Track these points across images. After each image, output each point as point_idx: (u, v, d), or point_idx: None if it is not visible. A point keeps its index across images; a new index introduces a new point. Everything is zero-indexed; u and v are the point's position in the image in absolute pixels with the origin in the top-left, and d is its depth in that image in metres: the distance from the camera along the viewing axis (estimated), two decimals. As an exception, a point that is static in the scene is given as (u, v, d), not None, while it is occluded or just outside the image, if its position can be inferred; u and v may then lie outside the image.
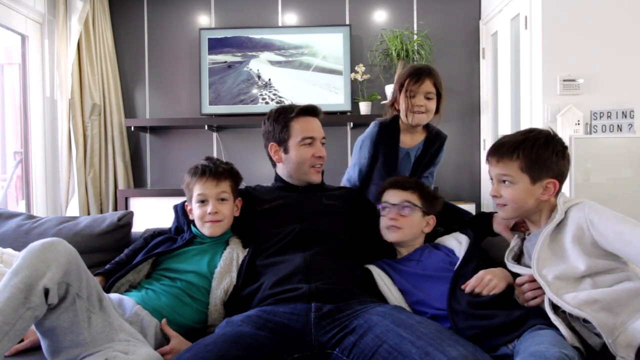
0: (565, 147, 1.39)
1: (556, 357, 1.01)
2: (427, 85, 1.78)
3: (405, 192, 1.59)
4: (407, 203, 1.56)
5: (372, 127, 1.90)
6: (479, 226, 1.59)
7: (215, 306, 1.47)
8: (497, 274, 1.38)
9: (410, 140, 1.90)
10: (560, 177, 1.37)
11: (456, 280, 1.38)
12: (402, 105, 1.82)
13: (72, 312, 1.15)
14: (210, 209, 1.55)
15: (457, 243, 1.53)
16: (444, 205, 1.70)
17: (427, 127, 1.91)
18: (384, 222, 1.58)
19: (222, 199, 1.58)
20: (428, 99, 1.79)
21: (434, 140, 1.91)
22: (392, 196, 1.60)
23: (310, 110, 1.68)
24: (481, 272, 1.37)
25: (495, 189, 1.40)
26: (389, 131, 1.87)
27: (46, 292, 1.09)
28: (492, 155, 1.40)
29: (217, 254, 1.57)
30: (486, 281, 1.34)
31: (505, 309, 1.27)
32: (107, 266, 1.58)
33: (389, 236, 1.56)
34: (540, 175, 1.34)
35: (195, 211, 1.59)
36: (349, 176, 1.99)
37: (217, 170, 1.59)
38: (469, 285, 1.35)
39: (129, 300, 1.38)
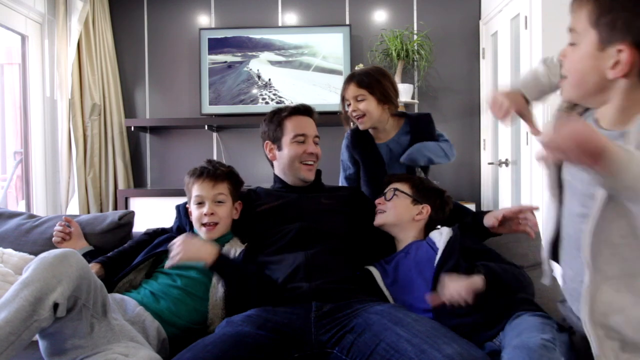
0: None
1: (540, 346, 1.01)
2: (352, 90, 1.84)
3: (396, 183, 1.65)
4: (392, 190, 1.62)
5: (345, 138, 1.98)
6: (476, 227, 1.57)
7: (216, 301, 1.47)
8: (457, 278, 1.26)
9: (385, 135, 1.93)
10: None
11: (437, 279, 1.36)
12: (349, 114, 1.89)
13: (77, 321, 1.15)
14: (206, 210, 1.55)
15: (439, 234, 1.52)
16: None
17: (404, 115, 1.94)
18: None
19: (219, 201, 1.58)
20: (359, 101, 1.83)
21: (418, 125, 1.91)
22: (387, 188, 1.68)
23: (302, 110, 1.71)
24: (444, 280, 1.26)
25: (564, 48, 1.02)
26: (360, 135, 1.92)
27: (55, 306, 1.09)
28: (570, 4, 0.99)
29: None
30: (450, 287, 1.23)
31: (485, 302, 1.26)
32: (110, 254, 1.60)
33: (375, 220, 1.62)
34: (611, 35, 0.88)
35: (193, 212, 1.60)
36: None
37: (215, 172, 1.60)
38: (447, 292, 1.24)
39: (131, 301, 1.38)
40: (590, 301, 0.94)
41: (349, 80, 1.86)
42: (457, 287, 1.20)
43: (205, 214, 1.55)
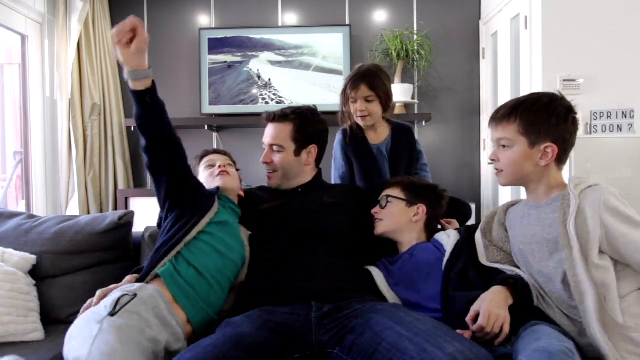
0: (570, 111, 1.29)
1: (561, 351, 1.02)
2: (364, 90, 1.84)
3: (387, 189, 1.67)
4: (385, 198, 1.64)
5: (337, 136, 2.00)
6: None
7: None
8: (496, 302, 1.23)
9: (377, 136, 1.97)
10: (562, 143, 1.28)
11: (446, 281, 1.38)
12: (351, 111, 1.91)
13: None
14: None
15: (446, 237, 1.53)
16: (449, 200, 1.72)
17: (389, 121, 1.99)
18: None
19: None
20: (369, 101, 1.85)
21: (399, 134, 1.97)
22: (380, 196, 1.68)
23: (267, 116, 1.72)
24: (484, 309, 1.21)
25: (493, 152, 1.36)
26: (353, 133, 1.94)
27: None
28: (493, 119, 1.36)
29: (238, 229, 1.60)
30: (493, 318, 1.20)
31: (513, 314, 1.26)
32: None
33: (375, 230, 1.63)
34: (538, 139, 1.27)
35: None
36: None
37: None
38: (476, 326, 1.21)
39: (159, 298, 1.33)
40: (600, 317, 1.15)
41: (360, 80, 1.84)
42: (498, 323, 1.21)
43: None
